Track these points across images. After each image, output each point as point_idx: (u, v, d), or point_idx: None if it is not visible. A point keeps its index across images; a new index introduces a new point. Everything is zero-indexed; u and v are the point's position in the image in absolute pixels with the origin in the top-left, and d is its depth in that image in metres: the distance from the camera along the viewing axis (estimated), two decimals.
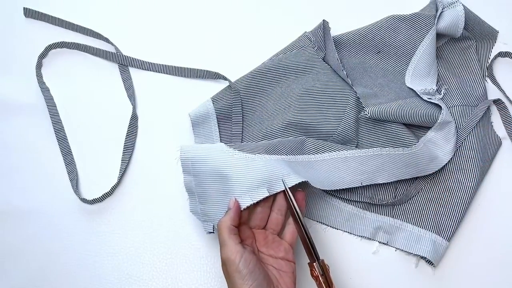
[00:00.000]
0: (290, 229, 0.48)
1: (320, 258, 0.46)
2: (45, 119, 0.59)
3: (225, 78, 0.61)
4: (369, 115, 0.55)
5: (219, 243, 0.45)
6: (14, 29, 0.64)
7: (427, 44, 0.61)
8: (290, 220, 0.49)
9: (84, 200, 0.55)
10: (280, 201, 0.48)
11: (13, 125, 0.59)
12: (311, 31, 0.62)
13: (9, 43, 0.63)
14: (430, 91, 0.59)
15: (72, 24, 0.64)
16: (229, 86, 0.59)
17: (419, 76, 0.61)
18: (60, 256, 0.53)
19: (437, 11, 0.62)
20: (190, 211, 0.52)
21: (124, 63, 0.63)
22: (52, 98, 0.60)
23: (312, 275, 0.46)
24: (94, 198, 0.55)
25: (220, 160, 0.50)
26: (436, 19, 0.61)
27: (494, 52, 0.64)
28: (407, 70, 0.61)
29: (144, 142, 0.59)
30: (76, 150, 0.58)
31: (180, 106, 0.59)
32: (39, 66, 0.61)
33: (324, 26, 0.61)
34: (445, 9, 0.63)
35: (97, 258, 0.53)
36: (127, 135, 0.59)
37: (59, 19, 0.64)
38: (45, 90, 0.60)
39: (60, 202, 0.55)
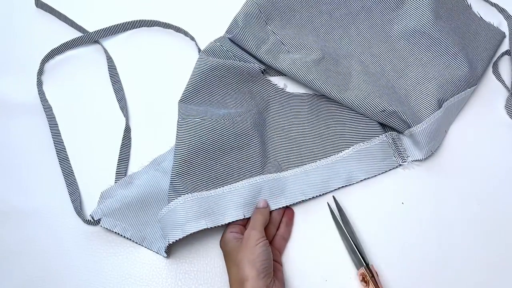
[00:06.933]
0: (278, 237, 0.53)
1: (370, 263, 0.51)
2: (45, 119, 0.59)
3: (188, 35, 0.63)
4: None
5: (250, 225, 0.50)
6: (15, 29, 0.64)
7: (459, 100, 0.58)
8: (278, 231, 0.54)
9: (89, 222, 0.54)
10: (274, 215, 0.54)
11: (13, 125, 0.59)
12: None
13: (10, 43, 0.64)
14: (406, 133, 0.56)
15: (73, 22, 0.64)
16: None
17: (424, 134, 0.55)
18: (60, 256, 0.53)
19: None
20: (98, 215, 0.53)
21: (98, 38, 0.64)
22: (53, 116, 0.60)
23: (363, 279, 0.49)
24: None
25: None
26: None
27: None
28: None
29: (138, 151, 0.59)
30: (72, 162, 0.58)
31: (172, 112, 0.58)
32: (40, 72, 0.62)
33: None
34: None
35: (97, 258, 0.53)
36: (121, 147, 0.58)
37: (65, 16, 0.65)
38: (46, 105, 0.60)
39: (59, 202, 0.55)
